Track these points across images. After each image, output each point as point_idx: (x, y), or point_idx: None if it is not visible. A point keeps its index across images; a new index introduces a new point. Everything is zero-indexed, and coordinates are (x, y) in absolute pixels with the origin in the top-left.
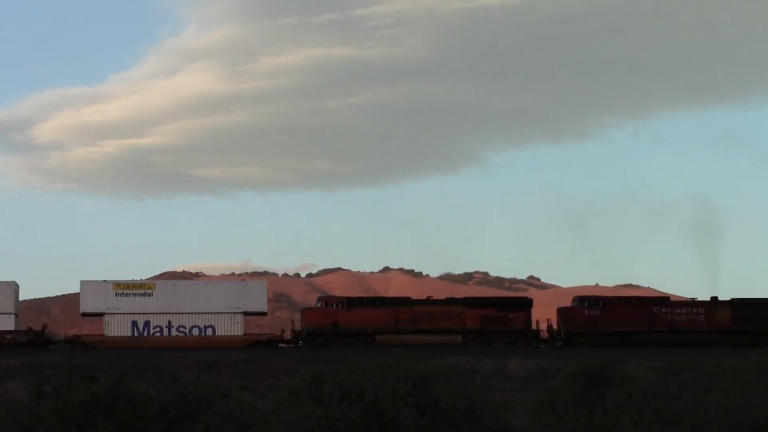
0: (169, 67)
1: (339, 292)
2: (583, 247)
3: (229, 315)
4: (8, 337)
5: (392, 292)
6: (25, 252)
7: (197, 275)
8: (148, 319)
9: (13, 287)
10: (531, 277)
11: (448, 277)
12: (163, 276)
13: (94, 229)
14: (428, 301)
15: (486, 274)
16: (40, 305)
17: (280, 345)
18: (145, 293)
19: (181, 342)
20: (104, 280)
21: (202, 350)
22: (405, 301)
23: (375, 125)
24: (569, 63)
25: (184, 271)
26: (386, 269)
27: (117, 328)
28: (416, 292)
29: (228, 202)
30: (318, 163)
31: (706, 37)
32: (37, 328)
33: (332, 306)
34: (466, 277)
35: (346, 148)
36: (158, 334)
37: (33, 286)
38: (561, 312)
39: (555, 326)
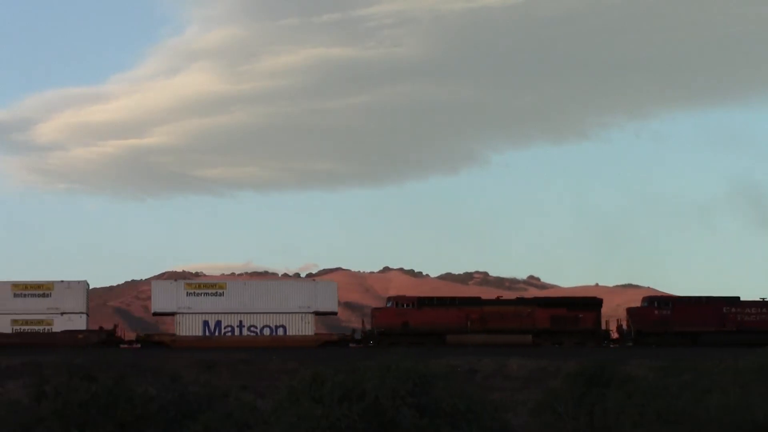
0: (170, 67)
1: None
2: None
3: (300, 315)
4: (80, 336)
5: (392, 292)
6: (25, 252)
7: (197, 275)
8: (220, 318)
9: (85, 287)
10: (531, 277)
11: (448, 277)
12: (163, 276)
13: (95, 229)
14: (498, 301)
15: (486, 274)
16: None
17: (351, 345)
18: (217, 293)
19: (252, 342)
20: (175, 280)
21: (202, 350)
22: (475, 301)
23: (376, 125)
24: (570, 63)
25: (183, 271)
26: (386, 269)
27: (188, 327)
28: (416, 292)
29: (228, 202)
30: (318, 163)
31: (706, 37)
32: (109, 327)
33: (403, 306)
34: (466, 277)
35: (346, 148)
36: (229, 333)
37: None
38: (631, 312)
39: (625, 326)
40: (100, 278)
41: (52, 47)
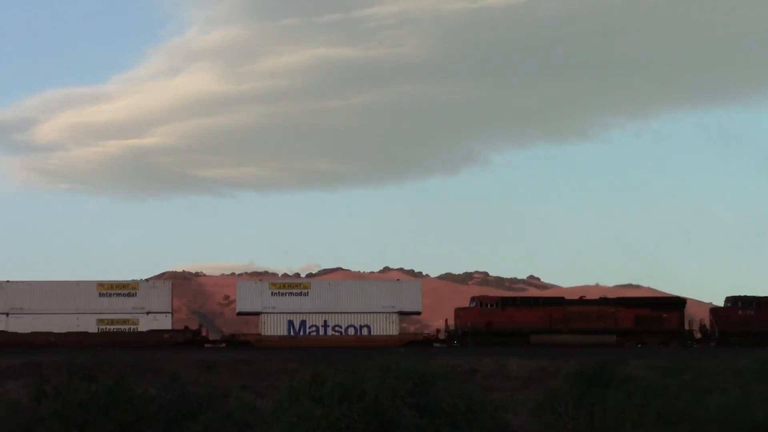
0: (170, 67)
1: None
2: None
3: (385, 314)
4: (166, 336)
5: None
6: (26, 252)
7: (197, 275)
8: (304, 318)
9: (169, 287)
10: (531, 277)
11: (448, 277)
12: (162, 276)
13: (96, 230)
14: (582, 301)
15: (486, 274)
16: None
17: (436, 345)
18: (301, 293)
19: (338, 341)
20: (260, 280)
21: (202, 350)
22: (559, 301)
23: (376, 126)
24: (571, 63)
25: (184, 271)
26: (386, 269)
27: (273, 327)
28: None
29: (229, 203)
30: (319, 163)
31: (707, 37)
32: (194, 327)
33: (486, 306)
34: (466, 277)
35: (347, 148)
36: (314, 333)
37: None
38: (714, 312)
39: (708, 326)
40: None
41: (53, 47)
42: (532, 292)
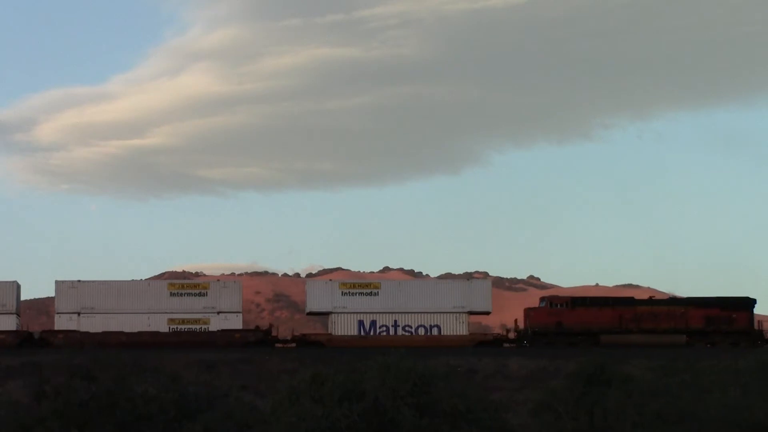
0: (172, 67)
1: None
2: None
3: (455, 314)
4: (237, 336)
5: None
6: (26, 252)
7: (197, 275)
8: (374, 318)
9: (240, 287)
10: (531, 277)
11: (447, 277)
12: (163, 276)
13: (96, 230)
14: (651, 301)
15: (486, 274)
16: (40, 305)
17: (505, 345)
18: (371, 292)
19: (407, 341)
20: (330, 280)
21: (202, 350)
22: (628, 301)
23: (378, 126)
24: (573, 64)
25: (183, 271)
26: (386, 269)
27: (343, 327)
28: None
29: (230, 203)
30: (320, 163)
31: (709, 38)
32: (253, 327)
33: (556, 306)
34: (466, 277)
35: (348, 148)
36: (384, 333)
37: (34, 285)
38: None
39: None
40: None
41: (54, 47)
42: (533, 292)
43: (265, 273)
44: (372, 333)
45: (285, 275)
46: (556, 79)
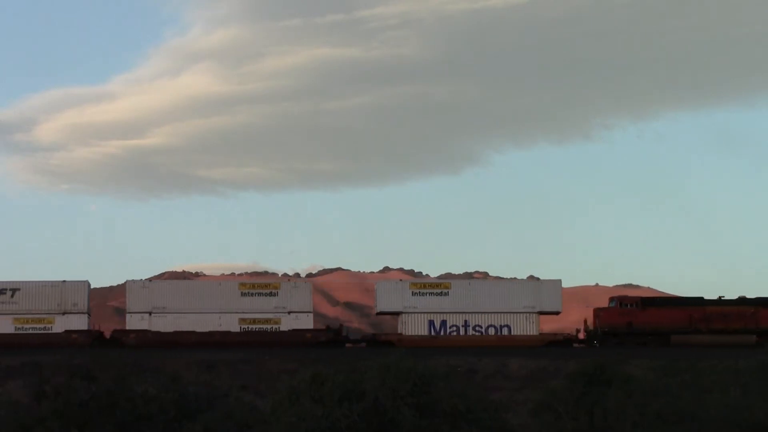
0: (172, 67)
1: (339, 293)
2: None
3: (525, 314)
4: (309, 336)
5: None
6: (27, 252)
7: (197, 275)
8: (445, 318)
9: (310, 287)
10: (531, 277)
11: (447, 277)
12: (163, 276)
13: (96, 230)
14: (721, 301)
15: (486, 274)
16: None
17: (575, 345)
18: (441, 292)
19: (478, 341)
20: (400, 280)
21: (202, 350)
22: (698, 301)
23: (379, 126)
24: (573, 64)
25: (183, 271)
26: (386, 269)
27: (414, 327)
28: None
29: (230, 203)
30: (321, 163)
31: (710, 38)
32: (335, 326)
33: (627, 306)
34: (466, 278)
35: (349, 148)
36: (454, 333)
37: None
38: None
39: None
40: (102, 278)
41: (55, 47)
42: None
43: (265, 273)
44: (442, 333)
45: (285, 275)
46: (556, 80)
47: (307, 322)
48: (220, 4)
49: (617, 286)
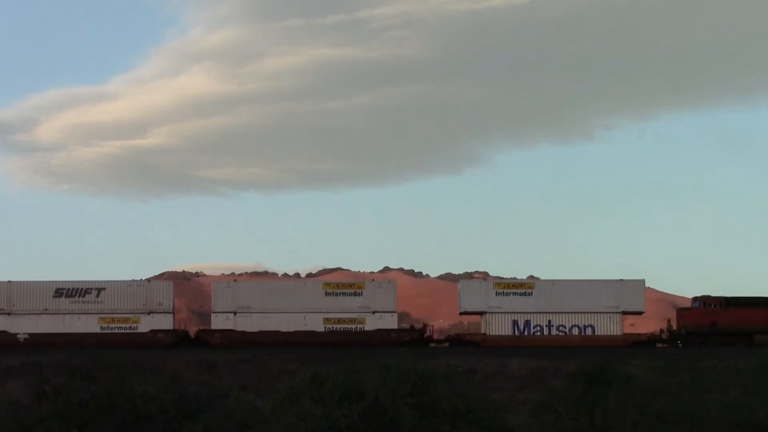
0: (173, 67)
1: None
2: None
3: (609, 315)
4: (393, 336)
5: None
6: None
7: (197, 275)
8: (528, 318)
9: (395, 287)
10: (531, 277)
11: (448, 277)
12: (163, 276)
13: (97, 230)
14: None
15: (486, 274)
16: None
17: (659, 345)
18: (525, 293)
19: (562, 341)
20: (484, 279)
21: (202, 350)
22: None
23: (379, 126)
24: (574, 64)
25: (183, 271)
26: (386, 269)
27: (498, 327)
28: (416, 292)
29: (231, 203)
30: (321, 163)
31: (711, 38)
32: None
33: (710, 306)
34: (466, 277)
35: (349, 148)
36: (538, 333)
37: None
38: None
39: None
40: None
41: (55, 47)
42: None
43: (265, 273)
44: (526, 333)
45: (285, 275)
46: (557, 80)
47: (391, 322)
48: (220, 5)
49: None
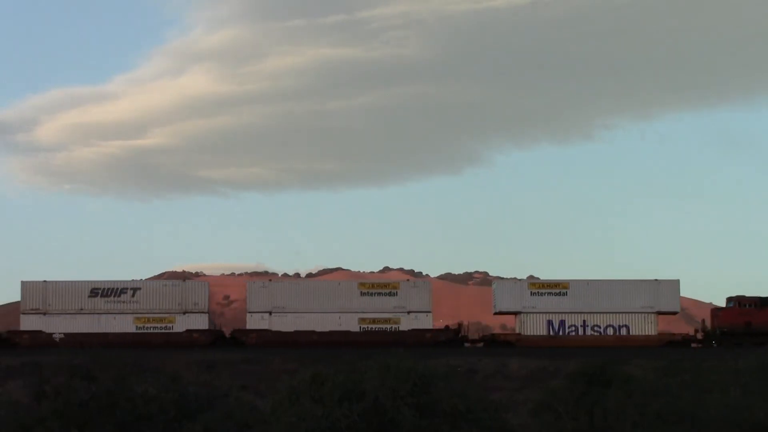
0: (174, 68)
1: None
2: None
3: (643, 315)
4: (428, 336)
5: None
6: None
7: (197, 275)
8: (563, 318)
9: (430, 287)
10: (531, 277)
11: (448, 277)
12: (162, 276)
13: (97, 230)
14: None
15: (486, 274)
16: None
17: (693, 345)
18: (560, 293)
19: (597, 341)
20: (518, 279)
21: (202, 350)
22: None
23: (380, 126)
24: (575, 65)
25: (183, 271)
26: (386, 269)
27: (532, 327)
28: None
29: (231, 203)
30: (321, 163)
31: (711, 39)
32: (454, 325)
33: (745, 306)
34: (466, 277)
35: (350, 149)
36: (573, 333)
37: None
38: None
39: None
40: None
41: (56, 47)
42: None
43: (265, 273)
44: (561, 333)
45: (285, 275)
46: (557, 80)
47: (426, 322)
48: (221, 5)
49: None
